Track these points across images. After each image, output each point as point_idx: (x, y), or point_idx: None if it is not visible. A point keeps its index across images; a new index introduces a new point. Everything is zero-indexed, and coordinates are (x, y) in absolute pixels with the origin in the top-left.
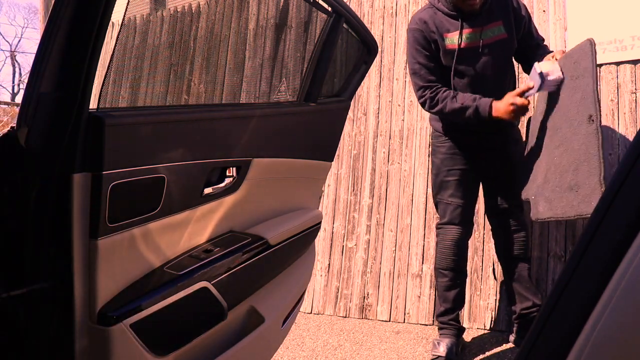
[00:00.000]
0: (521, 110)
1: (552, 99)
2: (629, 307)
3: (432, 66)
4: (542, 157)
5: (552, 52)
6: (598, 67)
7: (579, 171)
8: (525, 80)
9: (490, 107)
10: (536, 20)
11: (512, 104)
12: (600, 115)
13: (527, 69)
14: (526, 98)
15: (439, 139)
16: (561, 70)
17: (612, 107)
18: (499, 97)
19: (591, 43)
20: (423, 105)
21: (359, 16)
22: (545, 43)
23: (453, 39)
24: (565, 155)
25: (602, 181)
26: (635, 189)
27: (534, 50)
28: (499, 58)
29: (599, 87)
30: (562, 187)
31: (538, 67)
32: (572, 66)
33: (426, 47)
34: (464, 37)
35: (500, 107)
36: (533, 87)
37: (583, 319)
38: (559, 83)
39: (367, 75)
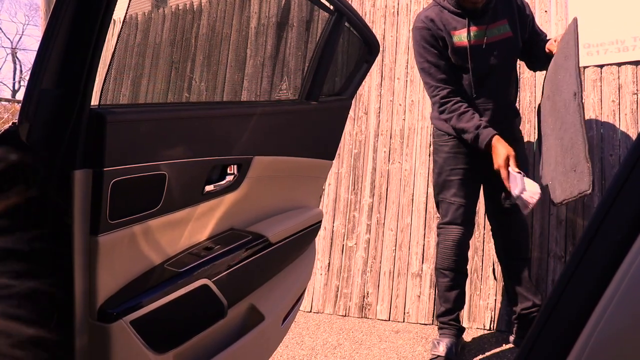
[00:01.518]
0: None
1: (553, 82)
2: (630, 309)
3: (442, 64)
4: (551, 140)
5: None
6: (600, 68)
7: (574, 149)
8: (526, 79)
9: (489, 142)
10: (538, 21)
11: (500, 167)
12: (582, 90)
13: (531, 66)
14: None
15: (441, 138)
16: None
17: (614, 108)
18: (505, 95)
19: (574, 21)
20: (434, 104)
21: (361, 15)
22: (548, 38)
23: (461, 37)
24: (565, 135)
25: (587, 157)
26: (637, 190)
27: (540, 44)
28: (504, 56)
29: (600, 86)
30: (566, 168)
31: (526, 184)
32: (565, 47)
33: (434, 44)
34: (472, 34)
35: (496, 150)
36: (514, 190)
37: (583, 320)
38: (525, 209)
39: (368, 74)
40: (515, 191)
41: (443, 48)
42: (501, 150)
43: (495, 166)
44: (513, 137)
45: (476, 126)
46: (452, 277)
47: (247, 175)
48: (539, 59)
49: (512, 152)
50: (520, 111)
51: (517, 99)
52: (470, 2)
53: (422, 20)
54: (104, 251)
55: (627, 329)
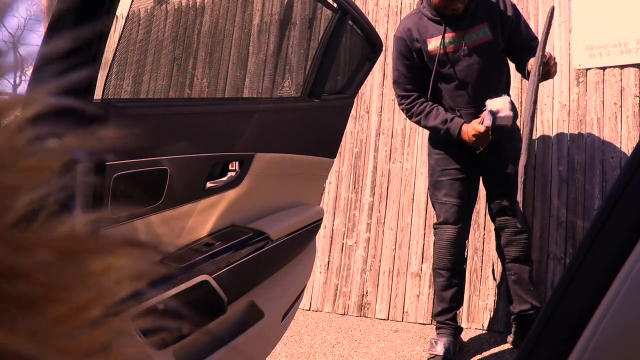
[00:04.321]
0: (482, 139)
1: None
2: (631, 312)
3: (411, 75)
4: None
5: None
6: (602, 70)
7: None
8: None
9: (460, 131)
10: (541, 22)
11: (474, 134)
12: (539, 74)
13: (519, 69)
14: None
15: (434, 139)
16: (510, 107)
17: (615, 110)
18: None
19: (550, 10)
20: (402, 111)
21: (364, 14)
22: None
23: (436, 44)
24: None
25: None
26: (638, 193)
27: (523, 51)
28: (485, 60)
29: (602, 89)
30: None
31: (489, 104)
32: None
33: (407, 55)
34: (446, 41)
35: (466, 132)
36: (488, 124)
37: (584, 323)
38: (511, 119)
39: (370, 73)
40: (488, 122)
41: (417, 59)
42: (468, 129)
43: (471, 142)
44: (507, 136)
45: (443, 121)
46: (448, 276)
47: (249, 172)
48: (521, 69)
49: (475, 121)
50: (521, 112)
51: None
52: (450, 10)
53: (400, 30)
54: None
55: (627, 332)
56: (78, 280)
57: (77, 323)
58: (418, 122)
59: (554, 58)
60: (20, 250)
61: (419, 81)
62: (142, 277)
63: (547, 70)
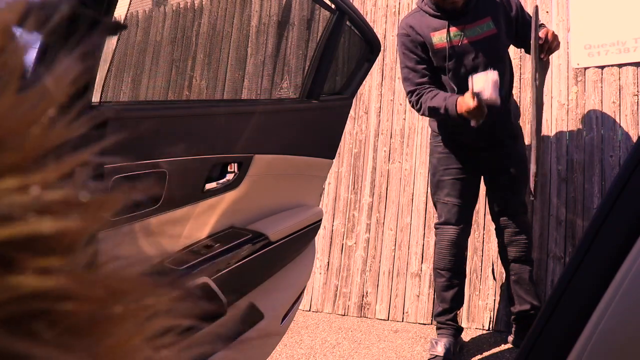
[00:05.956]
0: (476, 114)
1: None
2: (630, 311)
3: (421, 69)
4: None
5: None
6: (600, 69)
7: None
8: (526, 79)
9: (456, 104)
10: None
11: (466, 110)
12: (538, 71)
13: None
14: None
15: (436, 139)
16: (493, 85)
17: (614, 109)
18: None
19: (535, 9)
20: (410, 104)
21: (362, 14)
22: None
23: (441, 38)
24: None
25: (534, 134)
26: (637, 192)
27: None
28: (489, 54)
29: (600, 87)
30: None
31: (472, 82)
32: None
33: (413, 50)
34: (451, 35)
35: (461, 105)
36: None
37: (583, 321)
38: (496, 100)
39: (369, 73)
40: (480, 94)
41: (423, 53)
42: (462, 106)
43: (465, 108)
44: (509, 134)
45: (444, 98)
46: (449, 276)
47: (248, 173)
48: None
49: (466, 94)
50: (522, 112)
51: (512, 95)
52: (449, 3)
53: (403, 27)
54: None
55: (626, 331)
56: (126, 316)
57: (125, 354)
58: (424, 112)
59: (551, 33)
60: (81, 284)
61: (428, 74)
62: (176, 314)
63: (549, 47)
